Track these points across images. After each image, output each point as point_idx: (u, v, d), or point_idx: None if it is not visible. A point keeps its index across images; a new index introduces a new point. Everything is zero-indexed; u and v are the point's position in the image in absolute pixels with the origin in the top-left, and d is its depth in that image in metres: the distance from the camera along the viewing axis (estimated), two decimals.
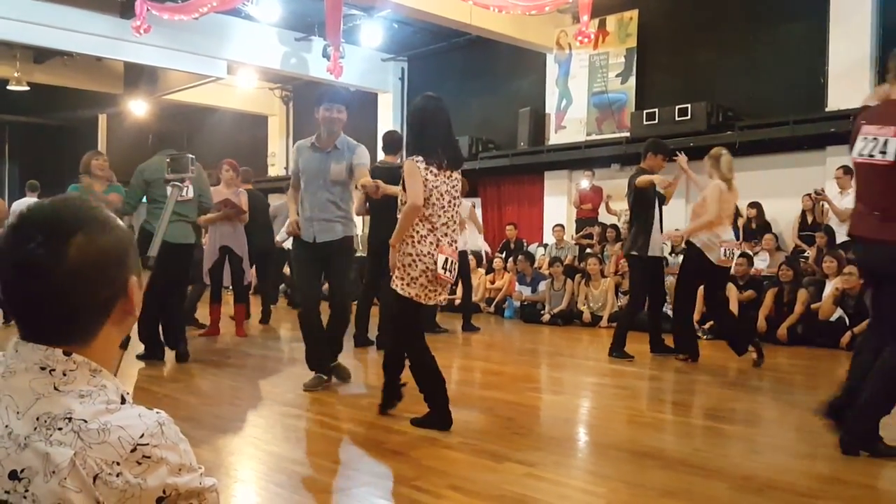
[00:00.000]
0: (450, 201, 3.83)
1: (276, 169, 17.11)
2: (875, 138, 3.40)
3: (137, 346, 5.92)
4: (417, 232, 3.77)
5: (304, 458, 3.44)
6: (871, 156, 3.41)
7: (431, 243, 3.77)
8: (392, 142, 7.08)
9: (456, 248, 3.93)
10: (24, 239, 1.00)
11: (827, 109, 9.08)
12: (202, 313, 8.07)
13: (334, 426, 4.00)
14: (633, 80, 11.39)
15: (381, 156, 7.26)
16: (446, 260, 3.77)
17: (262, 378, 5.61)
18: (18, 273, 1.00)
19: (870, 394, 3.42)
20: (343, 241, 4.92)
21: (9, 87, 15.36)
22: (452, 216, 3.87)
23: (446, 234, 3.82)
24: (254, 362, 6.30)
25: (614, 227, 10.52)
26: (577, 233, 11.52)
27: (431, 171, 3.76)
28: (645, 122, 10.53)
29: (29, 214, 1.04)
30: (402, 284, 3.79)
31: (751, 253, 8.94)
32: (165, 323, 6.02)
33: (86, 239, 1.02)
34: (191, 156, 3.57)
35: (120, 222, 1.09)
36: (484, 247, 10.84)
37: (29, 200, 10.52)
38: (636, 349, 6.47)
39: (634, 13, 11.36)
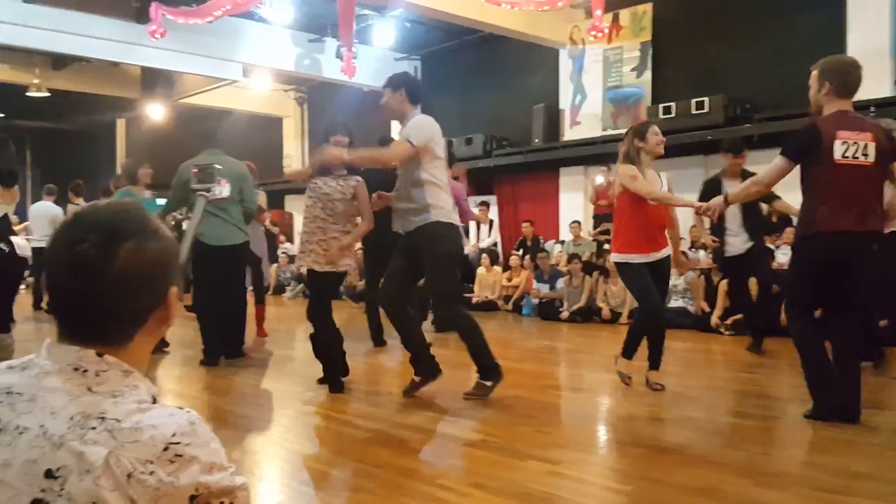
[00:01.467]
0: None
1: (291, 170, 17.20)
2: (855, 143, 3.82)
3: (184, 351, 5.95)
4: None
5: (327, 457, 3.45)
6: (856, 157, 3.82)
7: None
8: (387, 144, 7.16)
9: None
10: (79, 238, 1.03)
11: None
12: None
13: (356, 424, 4.01)
14: (648, 74, 11.33)
15: None
16: None
17: (283, 377, 5.64)
18: (69, 270, 1.03)
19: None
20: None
21: (28, 94, 15.52)
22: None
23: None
24: (275, 362, 6.33)
25: None
26: (594, 229, 11.47)
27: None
28: (661, 116, 10.45)
29: (85, 215, 1.07)
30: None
31: (773, 247, 8.86)
32: (226, 328, 5.98)
33: (137, 245, 1.05)
34: (217, 166, 3.58)
35: (168, 233, 1.12)
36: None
37: (47, 204, 10.64)
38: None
39: (648, 6, 11.29)
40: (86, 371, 1.03)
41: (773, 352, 6.13)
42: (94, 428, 0.97)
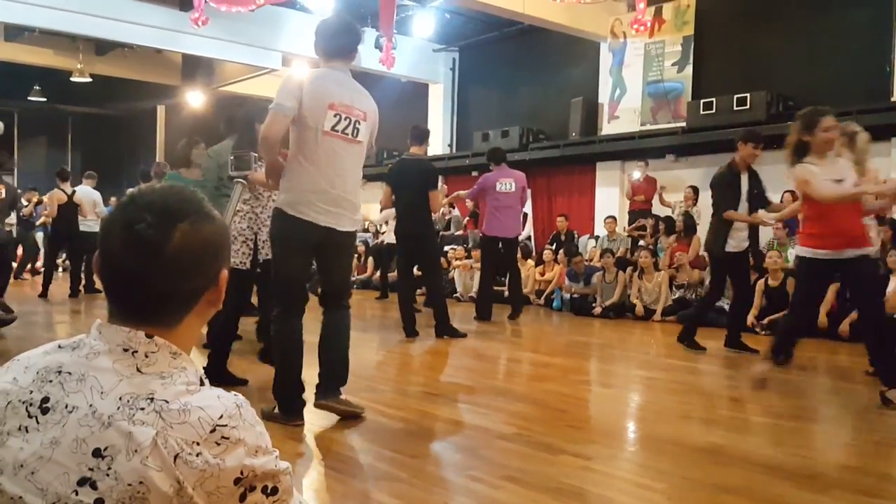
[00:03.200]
0: None
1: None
2: None
3: None
4: None
5: (360, 445, 3.47)
6: None
7: None
8: (419, 134, 7.21)
9: None
10: (135, 218, 1.04)
11: (893, 99, 8.79)
12: None
13: (388, 413, 4.02)
14: (689, 69, 11.19)
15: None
16: None
17: (311, 365, 5.67)
18: (125, 250, 1.04)
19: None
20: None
21: (72, 79, 15.78)
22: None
23: None
24: (308, 349, 6.36)
25: (668, 218, 10.35)
26: (629, 225, 11.37)
27: None
28: (702, 112, 10.33)
29: (140, 196, 1.08)
30: None
31: None
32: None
33: (191, 227, 1.06)
34: (254, 154, 3.60)
35: (219, 215, 1.14)
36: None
37: (87, 188, 10.83)
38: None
39: (692, 0, 11.14)
40: (135, 352, 1.04)
41: (809, 353, 6.02)
42: (142, 409, 0.99)
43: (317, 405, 3.80)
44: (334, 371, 3.84)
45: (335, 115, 3.56)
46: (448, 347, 6.57)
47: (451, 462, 3.26)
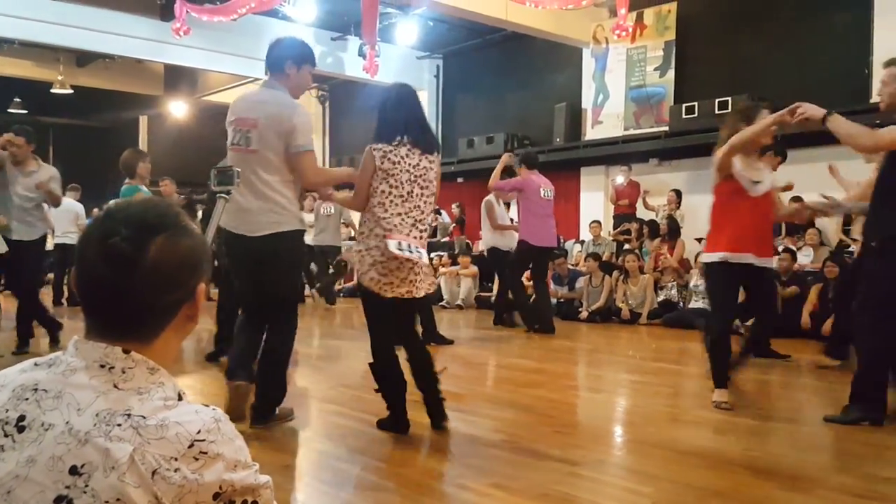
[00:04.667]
0: (413, 189, 3.62)
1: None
2: None
3: None
4: (363, 231, 3.67)
5: (347, 456, 3.45)
6: None
7: (378, 235, 3.57)
8: None
9: (420, 234, 3.67)
10: (110, 232, 1.04)
11: (872, 101, 8.86)
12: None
13: (375, 423, 4.00)
14: (671, 74, 11.27)
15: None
16: (399, 243, 3.51)
17: (301, 375, 5.64)
18: (101, 263, 1.04)
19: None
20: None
21: (53, 91, 15.69)
22: (419, 205, 3.65)
23: (404, 222, 3.58)
24: (293, 359, 6.34)
25: (652, 222, 10.40)
26: (614, 229, 11.42)
27: (390, 159, 3.57)
28: (684, 116, 10.40)
29: (117, 209, 1.09)
30: (359, 275, 3.68)
31: (794, 248, 8.78)
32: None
33: (167, 241, 1.06)
34: (237, 169, 3.61)
35: (197, 230, 1.14)
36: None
37: (70, 201, 10.75)
38: (681, 347, 6.39)
39: (673, 5, 11.22)
40: (112, 368, 1.03)
41: (794, 353, 6.06)
42: (119, 425, 0.98)
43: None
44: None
45: (232, 131, 3.83)
46: (435, 354, 6.54)
47: (439, 471, 3.25)
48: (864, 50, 9.15)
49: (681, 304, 8.99)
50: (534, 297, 8.43)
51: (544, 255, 8.30)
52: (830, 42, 9.64)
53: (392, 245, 3.48)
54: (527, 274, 8.51)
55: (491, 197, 8.53)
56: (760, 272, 4.33)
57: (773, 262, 4.53)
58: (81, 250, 1.06)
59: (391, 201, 3.58)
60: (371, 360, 3.78)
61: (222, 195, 3.94)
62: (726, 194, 4.37)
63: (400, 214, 3.59)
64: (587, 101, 12.39)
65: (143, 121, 19.80)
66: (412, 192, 3.62)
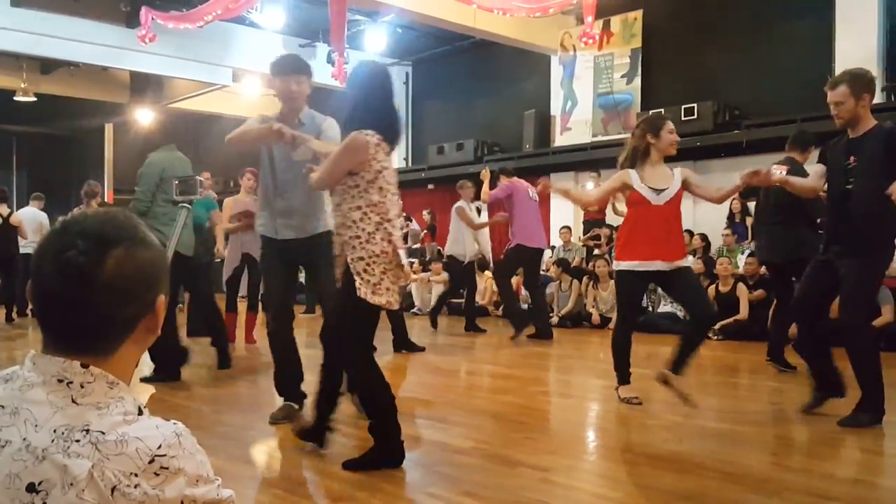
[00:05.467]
0: (396, 188, 3.37)
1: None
2: None
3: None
4: (364, 229, 3.18)
5: (316, 465, 3.42)
6: None
7: (383, 239, 3.19)
8: None
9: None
10: (67, 245, 1.01)
11: None
12: None
13: (345, 432, 3.98)
14: (638, 81, 11.39)
15: None
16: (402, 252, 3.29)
17: (272, 385, 5.59)
18: (57, 277, 1.01)
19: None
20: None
21: (16, 98, 15.43)
22: (399, 206, 3.51)
23: (396, 228, 3.26)
24: (265, 368, 6.28)
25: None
26: (584, 234, 11.49)
27: (383, 150, 3.25)
28: None
29: (73, 222, 1.06)
30: (367, 292, 3.16)
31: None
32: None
33: (125, 253, 1.04)
34: (199, 178, 3.57)
35: (157, 241, 1.12)
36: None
37: (34, 210, 10.56)
38: (648, 352, 6.44)
39: (639, 13, 11.35)
40: (70, 383, 1.01)
41: (760, 357, 6.12)
42: (78, 441, 0.96)
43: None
44: None
45: None
46: (406, 362, 6.54)
47: (409, 479, 3.24)
48: (826, 57, 9.32)
49: (650, 307, 9.06)
50: (530, 303, 8.50)
51: (539, 257, 8.36)
52: (793, 49, 9.82)
53: (403, 255, 3.24)
54: (517, 280, 8.55)
55: (462, 203, 8.57)
56: (675, 274, 4.47)
57: (688, 262, 4.69)
58: (37, 264, 1.04)
59: (391, 201, 3.26)
60: (359, 390, 3.50)
61: (184, 205, 3.89)
62: (632, 205, 4.60)
63: (396, 217, 3.29)
64: (556, 108, 12.48)
65: (108, 129, 19.53)
66: (396, 191, 3.36)
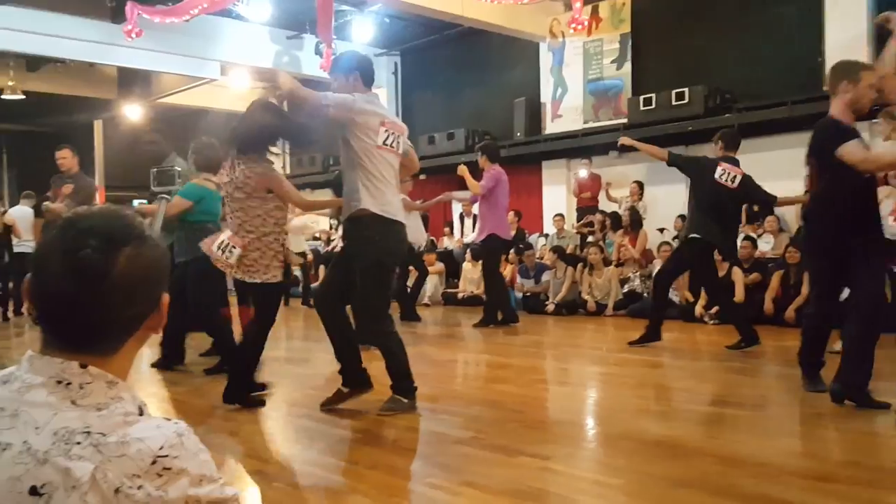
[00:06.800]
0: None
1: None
2: None
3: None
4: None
5: (316, 459, 3.42)
6: None
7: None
8: None
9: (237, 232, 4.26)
10: (78, 244, 1.00)
11: (825, 88, 9.02)
12: None
13: (343, 425, 3.98)
14: (628, 66, 11.36)
15: None
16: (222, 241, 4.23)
17: (269, 378, 5.58)
18: (66, 276, 1.00)
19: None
20: None
21: (3, 96, 15.30)
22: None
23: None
24: (264, 362, 6.27)
25: (614, 214, 10.49)
26: (577, 222, 11.50)
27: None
28: (642, 108, 10.50)
29: (80, 220, 1.04)
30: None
31: (754, 235, 8.92)
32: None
33: (135, 251, 1.03)
34: (178, 168, 3.57)
35: (158, 240, 1.11)
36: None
37: (24, 209, 10.50)
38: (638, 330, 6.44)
39: None
40: (69, 384, 1.00)
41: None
42: (79, 443, 0.95)
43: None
44: None
45: (384, 131, 4.13)
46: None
47: (409, 471, 3.24)
48: (816, 39, 9.32)
49: (645, 294, 9.08)
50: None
51: (509, 248, 8.36)
52: (783, 32, 9.81)
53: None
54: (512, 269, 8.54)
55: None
56: None
57: None
58: (42, 263, 1.02)
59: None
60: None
61: (163, 196, 3.89)
62: None
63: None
64: (546, 95, 12.44)
65: (97, 125, 19.38)
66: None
